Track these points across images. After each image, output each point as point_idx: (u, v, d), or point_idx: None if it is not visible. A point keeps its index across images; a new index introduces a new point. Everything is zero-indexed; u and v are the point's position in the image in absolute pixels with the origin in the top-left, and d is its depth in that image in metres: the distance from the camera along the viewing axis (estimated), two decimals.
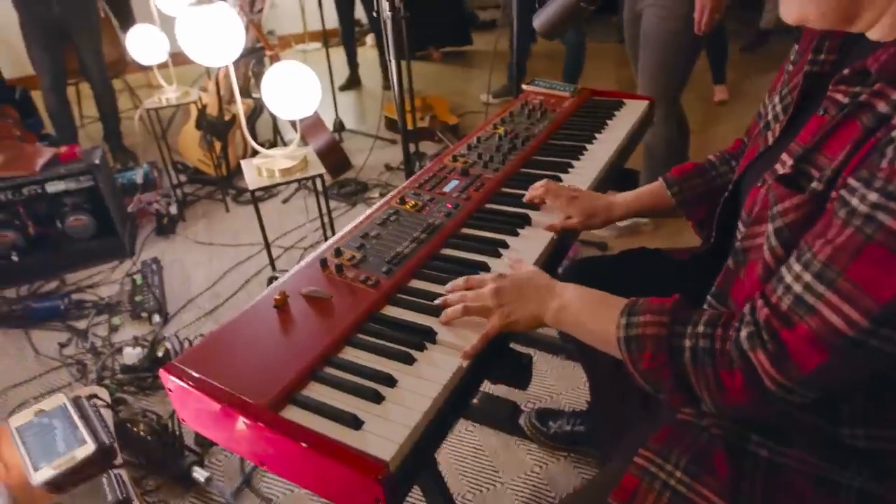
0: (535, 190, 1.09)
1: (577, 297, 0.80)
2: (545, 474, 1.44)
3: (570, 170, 1.24)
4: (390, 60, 1.52)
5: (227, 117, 2.85)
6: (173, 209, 2.65)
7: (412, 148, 2.95)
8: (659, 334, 0.68)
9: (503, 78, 4.02)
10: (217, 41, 1.45)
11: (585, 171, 1.24)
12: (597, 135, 1.39)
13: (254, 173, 1.71)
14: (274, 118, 3.08)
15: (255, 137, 3.14)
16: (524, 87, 1.66)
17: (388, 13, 1.40)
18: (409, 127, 3.23)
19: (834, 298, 0.57)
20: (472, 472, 1.46)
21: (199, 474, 1.44)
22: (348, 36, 4.39)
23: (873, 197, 0.55)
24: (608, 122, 1.47)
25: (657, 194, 1.08)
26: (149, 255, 2.41)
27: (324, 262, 0.93)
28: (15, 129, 2.71)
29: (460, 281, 0.86)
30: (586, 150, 1.33)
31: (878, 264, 0.55)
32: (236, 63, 1.64)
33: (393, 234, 1.01)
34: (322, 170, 1.71)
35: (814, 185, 0.64)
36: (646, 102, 1.57)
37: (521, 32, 3.50)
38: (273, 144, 3.25)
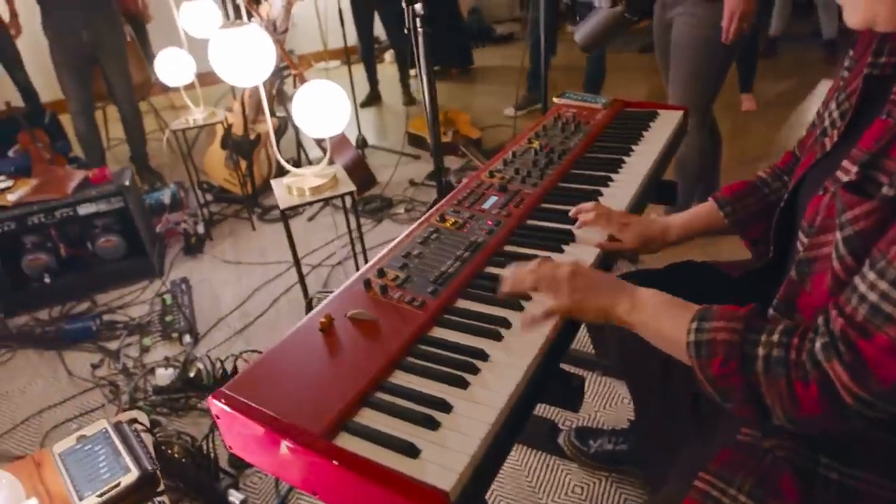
0: (585, 214, 1.05)
1: (651, 297, 0.78)
2: (588, 495, 1.40)
3: (609, 183, 1.22)
4: (421, 76, 1.51)
5: (252, 136, 2.87)
6: (200, 228, 2.66)
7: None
8: (731, 340, 0.66)
9: (521, 90, 4.00)
10: (249, 62, 1.45)
11: (625, 184, 1.22)
12: (634, 147, 1.37)
13: (284, 192, 1.71)
14: (297, 136, 3.10)
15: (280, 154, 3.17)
16: (555, 100, 1.64)
17: (420, 28, 1.39)
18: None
19: None
20: (511, 494, 1.43)
21: (235, 497, 1.43)
22: (368, 53, 4.42)
23: None
24: (644, 133, 1.44)
25: (710, 215, 1.05)
26: (178, 275, 2.43)
27: (367, 283, 0.91)
28: (46, 152, 2.76)
29: (534, 262, 0.83)
30: (624, 162, 1.30)
31: None
32: (263, 82, 1.65)
33: (435, 252, 0.99)
34: (352, 187, 1.70)
35: (884, 190, 0.62)
36: (680, 112, 1.55)
37: (545, 44, 3.50)
38: (297, 162, 3.27)
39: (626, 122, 1.50)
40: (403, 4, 1.37)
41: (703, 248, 1.57)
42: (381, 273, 0.94)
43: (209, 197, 3.00)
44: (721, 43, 1.82)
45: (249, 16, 2.56)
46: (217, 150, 3.04)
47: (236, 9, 2.34)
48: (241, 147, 2.85)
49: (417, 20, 1.39)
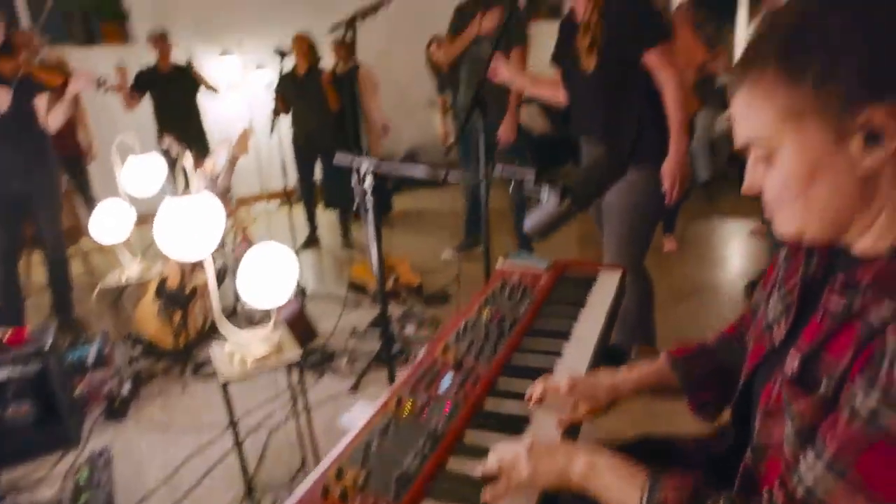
0: (534, 392, 1.06)
1: (607, 457, 0.80)
2: None
3: (562, 353, 1.24)
4: (372, 243, 1.54)
5: (188, 290, 2.80)
6: (126, 389, 2.49)
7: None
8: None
9: (459, 233, 4.15)
10: (200, 231, 1.44)
11: (578, 352, 1.24)
12: (579, 312, 1.41)
13: (225, 360, 1.64)
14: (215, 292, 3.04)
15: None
16: (499, 264, 1.69)
17: (370, 198, 1.44)
18: (376, 289, 3.24)
19: (842, 490, 0.59)
20: None
21: None
22: (308, 195, 4.52)
23: (871, 403, 0.58)
24: (587, 296, 1.50)
25: (661, 374, 1.06)
26: (98, 444, 2.22)
27: (325, 491, 0.85)
28: None
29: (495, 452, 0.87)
30: (573, 330, 1.33)
31: (884, 461, 0.58)
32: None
33: (395, 444, 0.95)
34: (298, 353, 1.65)
35: (822, 389, 0.66)
36: (619, 274, 1.63)
37: (476, 190, 3.70)
38: (233, 312, 3.19)
39: (569, 286, 1.56)
40: (355, 183, 1.42)
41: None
42: (340, 474, 0.88)
43: (137, 351, 2.84)
44: (651, 206, 1.98)
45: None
46: (149, 301, 2.92)
47: (172, 164, 2.37)
48: (176, 299, 2.76)
49: (368, 191, 1.44)
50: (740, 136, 0.71)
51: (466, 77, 3.53)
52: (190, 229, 1.43)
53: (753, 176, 0.72)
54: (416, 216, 5.25)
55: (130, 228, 2.45)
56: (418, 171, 1.34)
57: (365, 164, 1.42)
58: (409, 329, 2.93)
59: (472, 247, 3.96)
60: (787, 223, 0.72)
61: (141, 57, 4.78)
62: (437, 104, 6.03)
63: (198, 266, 2.93)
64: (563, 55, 2.14)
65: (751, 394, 0.85)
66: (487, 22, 3.16)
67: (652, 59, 1.93)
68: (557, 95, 2.22)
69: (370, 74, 4.82)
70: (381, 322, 1.81)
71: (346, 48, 4.71)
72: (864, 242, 0.68)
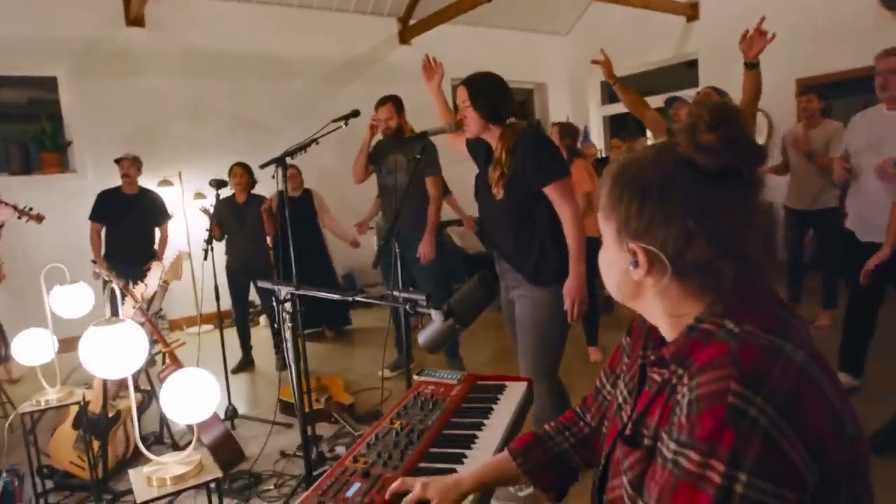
0: (396, 489, 1.14)
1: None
2: None
3: (464, 460, 1.34)
4: (289, 363, 1.64)
5: (111, 413, 2.74)
6: None
7: (308, 431, 2.94)
8: None
9: (393, 351, 4.24)
10: (123, 356, 1.51)
11: (481, 457, 1.34)
12: (485, 421, 1.52)
13: (142, 483, 1.64)
14: (138, 416, 2.99)
15: (140, 431, 3.01)
16: (415, 377, 1.81)
17: (289, 325, 1.56)
18: (306, 410, 3.25)
19: None
20: None
21: None
22: (242, 320, 4.55)
23: (673, 446, 0.72)
24: (493, 406, 1.62)
25: (502, 463, 1.18)
26: None
27: None
28: None
29: None
30: (477, 438, 1.44)
31: (687, 498, 0.69)
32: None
33: None
34: (218, 473, 1.67)
35: (646, 442, 0.82)
36: (524, 384, 1.76)
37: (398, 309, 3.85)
38: (160, 438, 3.11)
39: (478, 397, 1.68)
40: (273, 303, 1.54)
41: None
42: None
43: (50, 484, 2.70)
44: (558, 318, 2.17)
45: (123, 296, 2.65)
46: (67, 429, 2.83)
47: (111, 292, 2.43)
48: (98, 426, 2.69)
49: (287, 316, 1.56)
50: None
51: (386, 205, 3.85)
52: (114, 353, 1.50)
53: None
54: (350, 335, 5.32)
55: (52, 354, 2.44)
56: (332, 296, 1.48)
57: (284, 290, 1.56)
58: (340, 450, 2.92)
59: (404, 365, 4.03)
60: (606, 285, 0.93)
61: (79, 185, 4.90)
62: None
63: (123, 390, 2.89)
64: (480, 182, 2.40)
65: (608, 467, 0.99)
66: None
67: (552, 192, 2.19)
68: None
69: (321, 197, 5.14)
70: (303, 442, 1.86)
71: (299, 176, 5.01)
72: (669, 334, 0.88)
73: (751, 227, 0.79)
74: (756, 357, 0.71)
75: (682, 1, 6.99)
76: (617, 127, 8.72)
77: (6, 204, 2.84)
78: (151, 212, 4.75)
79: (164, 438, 3.13)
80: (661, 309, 0.86)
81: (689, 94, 4.04)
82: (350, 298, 1.42)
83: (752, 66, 2.96)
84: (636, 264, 0.82)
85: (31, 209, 4.35)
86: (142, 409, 3.04)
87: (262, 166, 2.78)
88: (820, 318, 4.42)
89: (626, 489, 0.84)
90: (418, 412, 1.57)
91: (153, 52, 5.80)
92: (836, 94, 6.19)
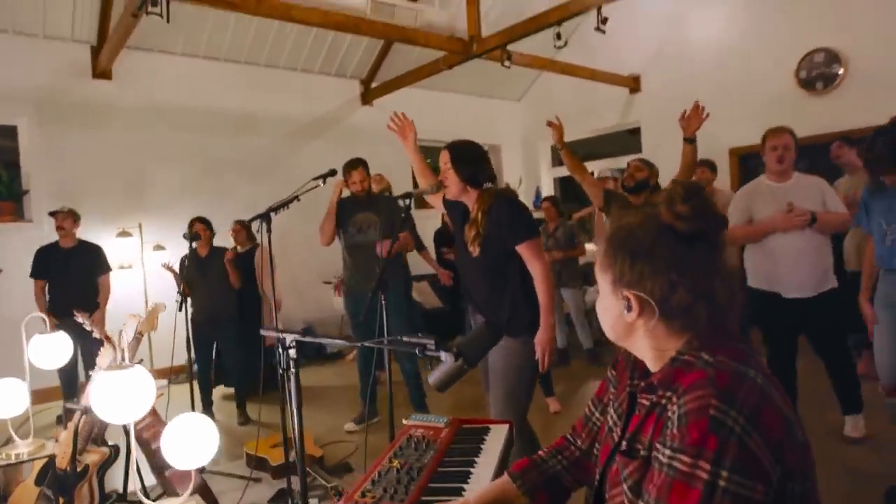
0: None
1: None
2: None
3: (463, 493, 1.45)
4: (291, 409, 1.72)
5: (80, 468, 2.69)
6: None
7: (284, 484, 2.96)
8: None
9: (355, 406, 4.29)
10: (132, 400, 1.57)
11: (476, 490, 1.46)
12: (476, 459, 1.65)
13: None
14: (128, 465, 2.94)
15: (103, 488, 2.94)
16: (405, 421, 1.92)
17: (293, 359, 1.65)
18: (277, 463, 3.27)
19: None
20: None
21: None
22: (204, 373, 4.51)
23: (668, 452, 0.89)
24: (482, 446, 1.74)
25: (504, 485, 1.34)
26: None
27: None
28: None
29: None
30: (471, 473, 1.56)
31: (681, 494, 0.86)
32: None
33: None
34: None
35: (642, 453, 0.99)
36: (506, 426, 1.90)
37: (369, 364, 3.95)
38: (122, 496, 3.04)
39: (466, 438, 1.81)
40: (280, 350, 1.64)
41: None
42: None
43: None
44: (529, 367, 2.33)
45: (101, 344, 2.65)
46: (29, 486, 2.75)
47: (94, 341, 2.46)
48: (64, 482, 2.63)
49: (292, 362, 1.66)
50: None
51: (357, 262, 3.96)
52: (124, 398, 1.56)
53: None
54: (314, 390, 5.31)
55: (27, 405, 2.41)
56: (337, 343, 1.60)
57: (290, 337, 1.66)
58: (313, 502, 2.94)
59: (371, 418, 4.08)
60: (602, 324, 1.11)
61: (34, 235, 4.82)
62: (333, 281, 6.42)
63: (90, 444, 2.84)
64: (457, 239, 2.57)
65: (604, 480, 1.14)
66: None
67: (523, 251, 2.38)
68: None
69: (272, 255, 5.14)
70: (301, 488, 1.91)
71: (245, 232, 5.09)
72: (654, 365, 1.06)
73: (718, 278, 1.01)
74: (728, 379, 0.91)
75: (625, 74, 7.58)
76: (567, 188, 9.17)
77: None
78: (91, 264, 4.71)
79: (127, 496, 3.06)
80: (648, 345, 1.05)
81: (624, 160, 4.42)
82: (360, 344, 1.54)
83: (690, 141, 3.31)
84: (629, 308, 1.02)
85: None
86: (107, 464, 2.97)
87: (249, 221, 2.88)
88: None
89: (627, 494, 1.00)
90: (413, 452, 1.68)
91: (118, 104, 5.85)
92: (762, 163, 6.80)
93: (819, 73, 6.10)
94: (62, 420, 4.52)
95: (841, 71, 5.95)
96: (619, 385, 1.19)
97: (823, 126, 5.65)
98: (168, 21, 4.03)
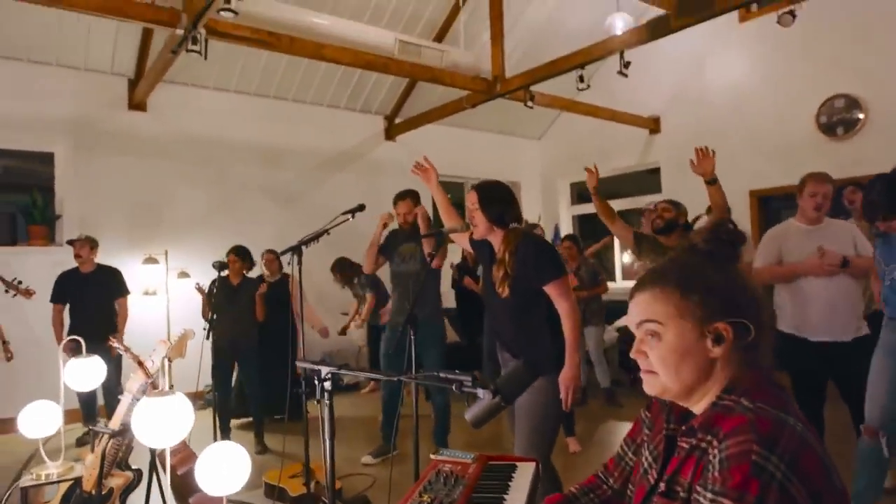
0: None
1: None
2: None
3: None
4: (324, 439, 1.75)
5: (104, 490, 2.72)
6: None
7: None
8: None
9: (374, 439, 4.29)
10: (171, 426, 1.61)
11: None
12: (505, 496, 1.66)
13: None
14: (149, 490, 2.96)
15: None
16: (432, 456, 1.94)
17: (327, 402, 1.70)
18: (297, 493, 3.27)
19: None
20: None
21: None
22: (224, 400, 4.54)
23: (710, 495, 0.91)
24: (510, 483, 1.76)
25: None
26: None
27: None
28: None
29: None
30: None
31: None
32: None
33: None
34: None
35: (682, 495, 1.01)
36: (533, 464, 1.91)
37: (394, 398, 3.97)
38: None
39: (494, 474, 1.82)
40: (316, 381, 1.69)
41: None
42: None
43: None
44: (554, 406, 2.34)
45: (118, 370, 2.71)
46: None
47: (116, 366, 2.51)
48: None
49: (327, 394, 1.70)
50: (638, 316, 1.11)
51: (399, 292, 4.03)
52: (164, 423, 1.61)
53: (641, 345, 1.10)
54: (343, 421, 5.31)
55: (60, 426, 2.46)
56: (374, 376, 1.65)
57: (325, 370, 1.71)
58: None
59: (389, 452, 4.07)
60: (655, 385, 1.10)
61: (65, 259, 4.95)
62: (349, 312, 6.49)
63: (114, 468, 2.87)
64: (484, 279, 2.61)
65: None
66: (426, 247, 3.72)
67: (551, 290, 2.42)
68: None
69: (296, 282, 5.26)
70: None
71: (278, 261, 5.19)
72: (701, 405, 1.08)
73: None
74: (769, 426, 0.94)
75: (645, 116, 7.68)
76: (586, 226, 9.22)
77: None
78: (109, 287, 4.82)
79: None
80: (712, 385, 1.06)
81: (653, 199, 4.46)
82: (395, 378, 1.58)
83: (711, 182, 3.34)
84: (720, 339, 1.04)
85: (19, 282, 4.37)
86: (130, 488, 2.99)
87: (281, 253, 2.96)
88: None
89: None
90: (442, 487, 1.70)
91: (151, 135, 6.05)
92: (784, 206, 6.82)
93: (839, 119, 6.15)
94: (81, 442, 4.56)
95: (861, 116, 5.99)
96: (655, 427, 1.21)
97: (844, 171, 5.66)
98: (206, 58, 4.20)
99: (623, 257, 8.59)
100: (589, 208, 9.20)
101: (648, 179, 8.18)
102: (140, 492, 3.08)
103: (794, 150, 6.38)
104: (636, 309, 1.12)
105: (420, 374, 1.63)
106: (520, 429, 2.46)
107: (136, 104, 5.92)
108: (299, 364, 1.78)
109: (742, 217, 6.65)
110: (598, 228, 8.01)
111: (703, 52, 7.22)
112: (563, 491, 2.60)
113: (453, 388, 1.38)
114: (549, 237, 8.75)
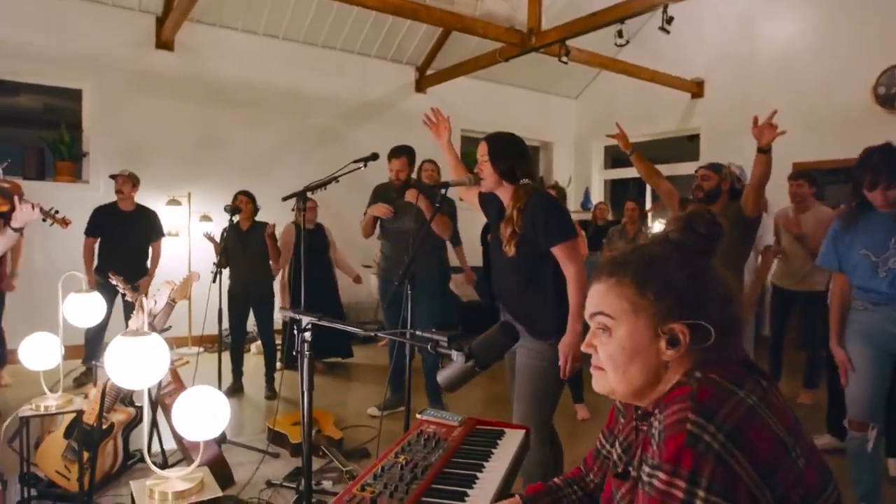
0: None
1: None
2: None
3: (466, 499, 1.40)
4: (302, 391, 1.70)
5: (105, 425, 2.76)
6: None
7: (299, 462, 2.97)
8: None
9: (382, 390, 4.28)
10: (146, 367, 1.57)
11: (481, 497, 1.40)
12: (485, 463, 1.59)
13: (144, 496, 1.67)
14: (151, 428, 3.00)
15: (127, 447, 3.02)
16: (418, 416, 1.87)
17: (307, 353, 1.63)
18: (296, 441, 3.28)
19: None
20: None
21: None
22: (237, 343, 4.57)
23: (648, 469, 0.86)
24: (493, 450, 1.68)
25: None
26: None
27: None
28: None
29: None
30: (478, 478, 1.50)
31: None
32: None
33: None
34: (219, 492, 1.71)
35: (633, 474, 0.95)
36: (522, 432, 1.83)
37: (400, 351, 3.92)
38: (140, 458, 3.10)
39: (478, 440, 1.75)
40: (295, 331, 1.62)
41: None
42: None
43: (33, 493, 2.69)
44: (555, 371, 2.25)
45: (132, 309, 2.71)
46: (57, 438, 2.84)
47: (126, 305, 2.50)
48: (91, 437, 2.70)
49: (306, 345, 1.63)
50: (591, 307, 1.00)
51: (391, 248, 3.96)
52: (139, 364, 1.56)
53: (592, 338, 1.01)
54: (343, 371, 5.34)
55: (59, 360, 2.48)
56: (353, 329, 1.57)
57: (305, 319, 1.64)
58: (327, 483, 2.94)
59: (396, 406, 4.06)
60: (603, 384, 1.01)
61: (90, 197, 4.98)
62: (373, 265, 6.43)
63: (117, 403, 2.91)
64: (492, 236, 2.50)
65: None
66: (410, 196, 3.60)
67: (558, 252, 2.29)
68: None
69: (330, 232, 5.32)
70: (307, 474, 1.90)
71: (315, 209, 5.15)
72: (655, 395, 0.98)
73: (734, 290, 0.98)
74: (710, 394, 0.85)
75: (689, 78, 7.31)
76: (618, 191, 8.95)
77: (31, 203, 2.81)
78: (146, 229, 4.80)
79: (150, 453, 3.12)
80: (669, 381, 0.96)
81: (690, 166, 4.23)
82: (373, 334, 1.50)
83: (764, 151, 3.11)
84: (675, 342, 0.92)
85: (56, 211, 4.41)
86: (132, 424, 3.04)
87: (285, 198, 2.88)
88: (801, 396, 4.50)
89: None
90: (421, 449, 1.63)
91: (178, 75, 5.99)
92: (830, 181, 6.46)
93: None
94: (78, 383, 4.59)
95: None
96: (627, 417, 1.12)
97: None
98: None
99: None
100: (621, 173, 8.91)
101: (687, 146, 7.85)
102: (144, 427, 3.14)
103: (846, 122, 6.00)
104: (591, 299, 1.01)
105: (395, 331, 1.54)
106: (519, 393, 2.38)
107: (164, 43, 5.85)
108: (282, 314, 1.71)
109: (781, 190, 6.32)
110: (628, 194, 7.78)
111: (753, 11, 6.77)
112: (563, 459, 2.56)
113: (428, 347, 1.29)
114: (578, 201, 8.53)
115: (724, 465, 0.79)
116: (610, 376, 0.98)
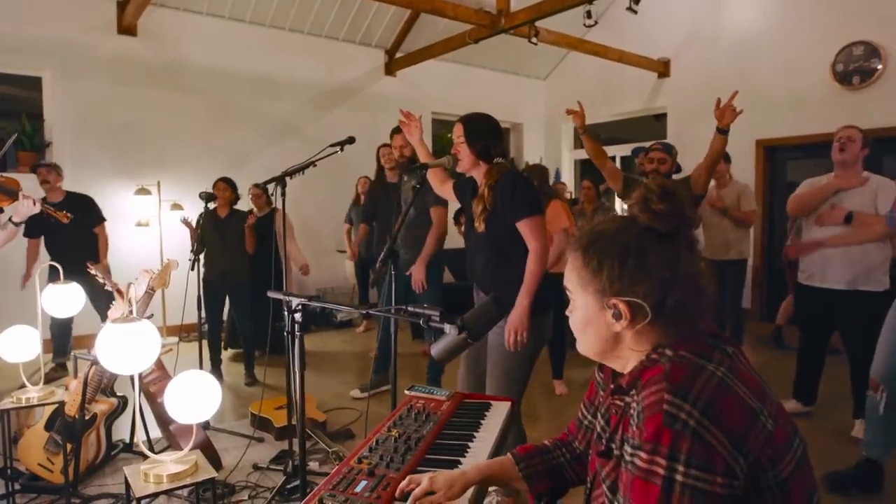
0: (405, 487, 1.26)
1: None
2: None
3: (459, 466, 1.45)
4: (293, 371, 1.73)
5: (87, 416, 2.74)
6: None
7: (286, 445, 3.00)
8: None
9: (364, 374, 4.32)
10: (136, 353, 1.58)
11: (474, 465, 1.46)
12: (475, 433, 1.64)
13: (139, 480, 1.69)
14: (135, 417, 2.99)
15: (110, 437, 3.00)
16: (406, 392, 1.92)
17: (297, 333, 1.66)
18: (280, 425, 3.31)
19: None
20: None
21: None
22: (215, 332, 4.55)
23: (630, 450, 0.90)
24: (482, 421, 1.74)
25: (505, 466, 1.32)
26: None
27: None
28: None
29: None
30: (469, 447, 1.56)
31: (642, 491, 0.87)
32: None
33: None
34: (213, 472, 1.74)
35: (616, 453, 1.00)
36: (508, 403, 1.89)
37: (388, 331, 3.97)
38: (128, 446, 3.11)
39: (467, 412, 1.80)
40: (285, 311, 1.64)
41: None
42: None
43: (16, 487, 2.67)
44: (526, 351, 2.30)
45: (112, 298, 2.69)
46: (38, 430, 2.81)
47: (107, 293, 2.49)
48: (73, 429, 2.69)
49: (297, 326, 1.66)
50: (564, 280, 1.08)
51: (379, 227, 3.98)
52: (129, 350, 1.57)
53: (570, 307, 1.09)
54: (321, 357, 5.35)
55: (38, 352, 2.45)
56: (344, 308, 1.60)
57: (296, 301, 1.66)
58: (313, 465, 2.97)
59: (379, 386, 4.10)
60: (580, 347, 1.10)
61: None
62: (346, 250, 6.44)
63: (98, 394, 2.90)
64: (466, 215, 2.54)
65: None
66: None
67: (522, 227, 2.32)
68: None
69: (287, 218, 5.17)
70: (301, 447, 1.94)
71: (266, 196, 5.10)
72: (629, 366, 1.04)
73: (699, 271, 1.01)
74: (683, 373, 0.91)
75: (655, 58, 7.42)
76: (588, 171, 9.06)
77: (32, 199, 2.78)
78: (82, 215, 4.62)
79: (132, 447, 3.12)
80: (632, 353, 1.03)
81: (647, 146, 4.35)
82: (365, 311, 1.54)
83: (723, 132, 3.23)
84: (619, 317, 0.99)
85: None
86: (115, 414, 3.03)
87: (265, 184, 2.87)
88: None
89: (607, 494, 1.01)
90: (412, 423, 1.68)
91: (142, 61, 5.85)
92: (793, 157, 6.65)
93: (857, 67, 5.91)
94: (49, 379, 4.46)
95: (880, 66, 5.76)
96: (607, 388, 1.18)
97: (857, 122, 5.49)
98: None
99: None
100: None
101: (654, 125, 7.98)
102: (126, 418, 3.13)
103: (807, 99, 6.17)
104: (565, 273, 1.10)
105: (385, 308, 1.58)
106: (490, 372, 2.42)
107: (126, 28, 5.71)
108: (271, 295, 1.73)
109: (747, 166, 6.51)
110: (598, 175, 7.88)
111: None
112: (525, 441, 2.61)
113: (420, 322, 1.34)
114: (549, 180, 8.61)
115: (701, 440, 0.84)
116: (579, 341, 1.08)
